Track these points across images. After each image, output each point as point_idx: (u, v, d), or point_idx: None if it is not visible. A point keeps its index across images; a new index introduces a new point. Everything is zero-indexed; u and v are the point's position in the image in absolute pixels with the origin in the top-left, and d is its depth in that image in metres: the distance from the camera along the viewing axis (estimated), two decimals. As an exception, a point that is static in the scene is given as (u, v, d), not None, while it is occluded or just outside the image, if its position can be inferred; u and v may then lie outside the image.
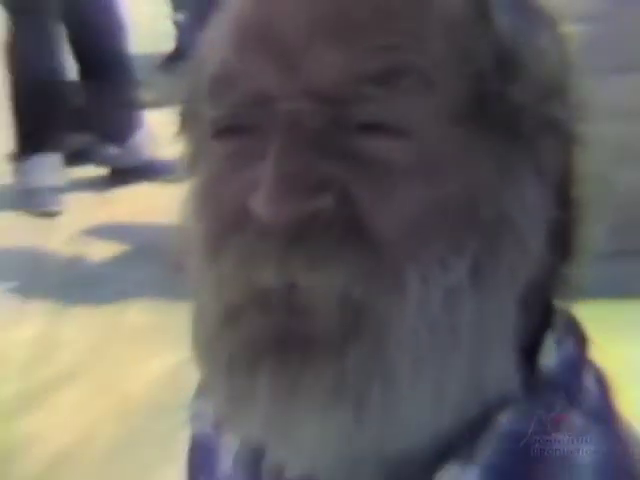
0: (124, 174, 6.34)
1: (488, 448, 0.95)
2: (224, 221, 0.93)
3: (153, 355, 4.85)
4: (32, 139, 6.19)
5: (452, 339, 0.89)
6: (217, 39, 1.00)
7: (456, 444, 0.94)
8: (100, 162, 6.52)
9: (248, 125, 0.93)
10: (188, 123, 1.01)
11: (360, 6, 0.91)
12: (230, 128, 0.94)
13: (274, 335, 0.88)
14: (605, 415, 1.02)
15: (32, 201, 6.23)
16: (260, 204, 0.87)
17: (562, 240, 0.98)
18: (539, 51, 0.95)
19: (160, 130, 6.38)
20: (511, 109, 0.91)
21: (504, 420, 0.94)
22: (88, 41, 6.33)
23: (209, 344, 0.94)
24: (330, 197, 0.88)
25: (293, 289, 0.87)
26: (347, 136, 0.90)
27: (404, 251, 0.88)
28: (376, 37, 0.90)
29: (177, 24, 7.74)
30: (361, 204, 0.89)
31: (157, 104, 6.63)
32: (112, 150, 6.47)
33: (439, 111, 0.90)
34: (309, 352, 0.87)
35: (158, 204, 5.98)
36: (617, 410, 1.03)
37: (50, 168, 6.25)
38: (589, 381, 1.01)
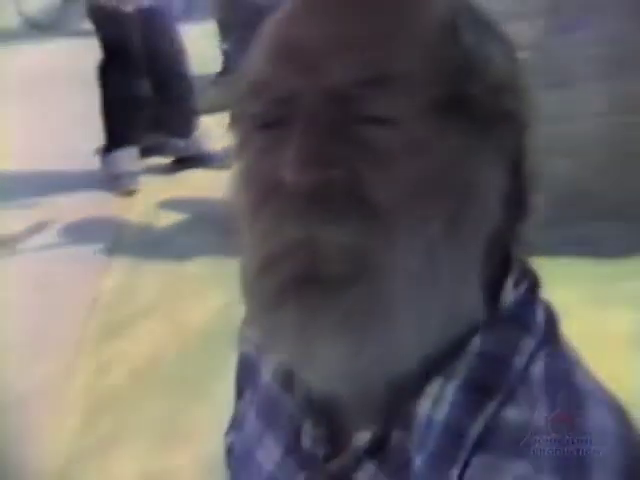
0: (186, 162, 6.36)
1: (464, 366, 0.97)
2: (262, 191, 0.94)
3: (208, 297, 4.86)
4: (116, 136, 6.23)
5: (432, 279, 0.92)
6: (255, 56, 1.00)
7: (440, 364, 0.96)
8: (169, 153, 6.54)
9: (278, 119, 0.94)
10: (235, 122, 1.01)
11: (360, 30, 0.93)
12: (265, 122, 0.96)
13: (297, 278, 0.89)
14: (552, 340, 1.04)
15: (115, 183, 6.30)
16: (288, 174, 0.88)
17: (515, 204, 0.99)
18: (493, 60, 0.97)
19: (213, 130, 6.67)
20: (474, 103, 0.93)
21: (476, 343, 0.97)
22: (160, 66, 6.31)
23: (251, 286, 0.96)
24: (339, 171, 0.90)
25: (312, 241, 0.88)
26: (352, 125, 0.91)
27: (396, 213, 0.90)
28: (372, 52, 0.92)
29: (224, 51, 7.56)
30: (363, 177, 0.91)
31: (210, 111, 6.53)
32: (178, 143, 6.44)
33: (421, 106, 0.92)
34: (324, 290, 0.89)
35: (212, 184, 5.84)
36: (562, 336, 1.05)
37: (129, 158, 6.34)
38: (539, 314, 1.04)
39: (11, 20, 12.23)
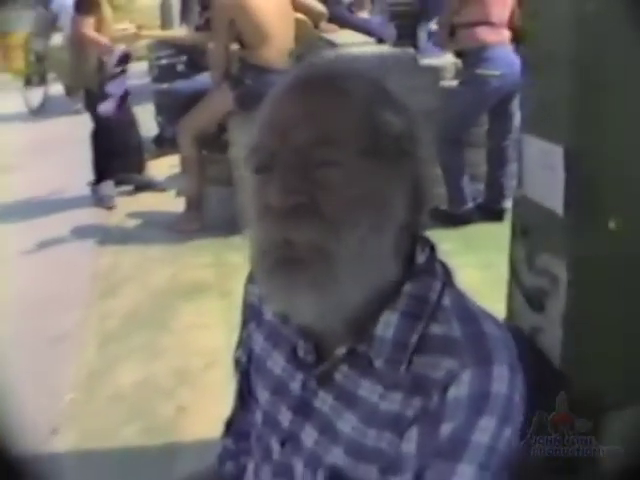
0: (141, 188, 7.56)
1: (401, 303, 1.32)
2: (259, 211, 1.27)
3: (164, 269, 5.84)
4: (100, 174, 7.49)
5: (363, 258, 1.24)
6: (253, 129, 1.31)
7: (386, 303, 1.30)
8: (131, 183, 7.79)
9: (266, 166, 1.26)
10: (244, 168, 1.31)
11: (313, 112, 1.25)
12: (258, 169, 1.27)
13: (281, 261, 1.25)
14: (450, 282, 1.37)
15: (101, 202, 7.41)
16: (273, 200, 1.22)
17: (415, 208, 1.32)
18: (394, 123, 1.28)
19: (155, 168, 7.90)
20: (384, 149, 1.26)
21: (407, 288, 1.32)
22: (127, 132, 7.64)
23: (256, 265, 1.33)
24: (304, 197, 1.21)
25: (289, 240, 1.23)
26: (310, 168, 1.23)
27: (339, 221, 1.23)
28: (321, 124, 1.24)
29: (158, 122, 8.85)
30: (318, 200, 1.22)
31: (152, 158, 8.19)
32: (136, 177, 7.76)
33: (352, 154, 1.24)
34: (297, 268, 1.24)
35: (158, 201, 7.37)
36: (455, 279, 1.38)
37: (108, 187, 7.50)
38: (439, 267, 1.36)
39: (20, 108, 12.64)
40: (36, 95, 13.19)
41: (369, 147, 1.25)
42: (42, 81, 13.29)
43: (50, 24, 12.30)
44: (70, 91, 12.39)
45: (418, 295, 1.32)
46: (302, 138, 1.23)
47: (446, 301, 1.32)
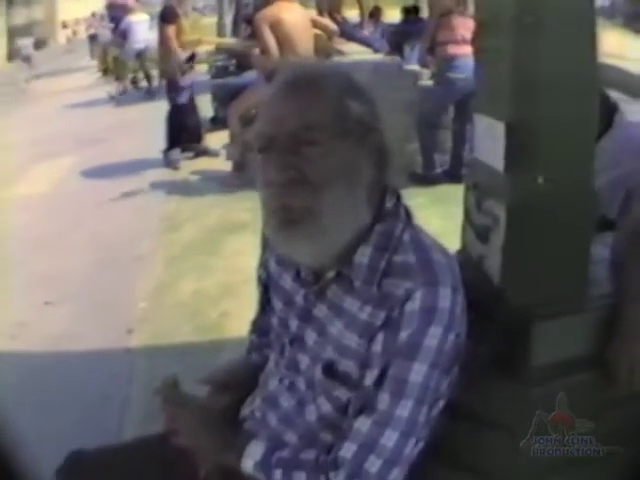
0: (200, 153, 7.54)
1: (373, 239, 1.30)
2: (265, 183, 1.26)
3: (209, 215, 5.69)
4: (172, 144, 7.47)
5: (341, 213, 1.24)
6: (258, 119, 1.30)
7: (363, 238, 1.28)
8: (192, 150, 7.60)
9: (266, 148, 1.25)
10: (251, 147, 1.29)
11: (299, 106, 1.25)
12: (261, 149, 1.26)
13: (283, 221, 1.25)
14: (410, 222, 1.34)
15: (171, 164, 7.34)
16: (272, 175, 1.23)
17: (380, 169, 1.29)
18: (361, 111, 1.27)
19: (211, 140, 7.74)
20: (353, 131, 1.26)
21: (378, 228, 1.29)
22: (194, 113, 7.58)
23: (266, 222, 1.30)
24: (295, 171, 1.21)
25: (287, 205, 1.23)
26: (298, 148, 1.22)
27: (322, 186, 1.22)
28: (305, 115, 1.23)
29: (215, 107, 8.65)
30: (305, 171, 1.22)
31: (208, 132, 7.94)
32: (196, 145, 7.66)
33: (329, 135, 1.23)
34: (295, 226, 1.23)
35: (211, 164, 7.27)
36: (414, 220, 1.34)
37: (177, 153, 7.42)
38: (402, 210, 1.33)
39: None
40: (113, 88, 13.42)
41: (340, 129, 1.24)
42: (118, 78, 13.49)
43: (121, 38, 12.57)
44: (136, 83, 12.85)
45: (385, 233, 1.30)
46: (291, 125, 1.22)
47: (406, 236, 1.30)
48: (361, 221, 1.27)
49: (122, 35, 12.36)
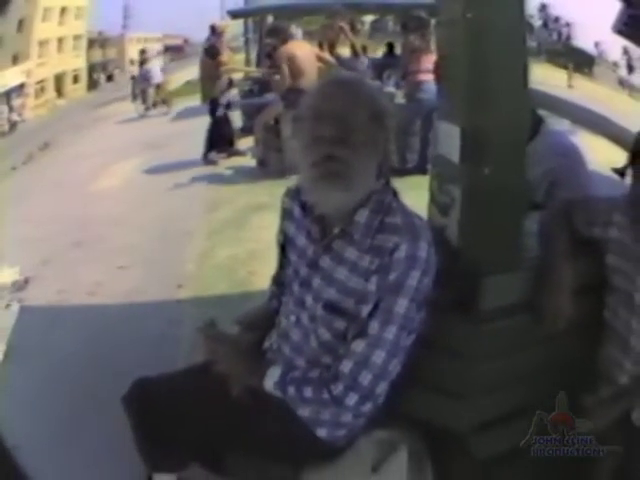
0: (233, 153, 7.17)
1: (370, 203, 1.26)
2: (312, 139, 1.25)
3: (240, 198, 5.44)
4: (210, 147, 7.02)
5: (363, 174, 1.23)
6: (302, 112, 1.26)
7: (363, 204, 1.26)
8: (226, 151, 7.18)
9: (320, 117, 1.23)
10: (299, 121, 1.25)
11: (340, 110, 1.23)
12: (315, 117, 1.25)
13: (325, 171, 1.20)
14: (396, 196, 1.34)
15: (209, 162, 6.92)
16: (323, 131, 1.21)
17: (386, 152, 1.26)
18: (386, 103, 1.27)
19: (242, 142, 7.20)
20: (382, 116, 1.24)
21: (374, 196, 1.27)
22: (227, 121, 7.10)
23: (306, 173, 1.26)
24: (342, 131, 1.21)
25: (332, 154, 1.21)
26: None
27: (351, 161, 1.20)
28: (345, 118, 1.22)
29: (244, 115, 8.14)
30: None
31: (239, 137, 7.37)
32: (230, 148, 7.22)
33: (368, 115, 1.22)
34: (334, 178, 1.20)
35: (245, 161, 6.77)
36: (398, 195, 1.33)
37: (214, 154, 6.97)
38: (391, 188, 1.34)
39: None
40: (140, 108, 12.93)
41: (373, 113, 1.24)
42: (143, 102, 13.06)
43: (145, 79, 12.65)
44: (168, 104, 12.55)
45: (379, 200, 1.28)
46: (333, 127, 1.23)
47: (394, 204, 1.29)
48: (370, 186, 1.26)
49: (145, 75, 12.56)
